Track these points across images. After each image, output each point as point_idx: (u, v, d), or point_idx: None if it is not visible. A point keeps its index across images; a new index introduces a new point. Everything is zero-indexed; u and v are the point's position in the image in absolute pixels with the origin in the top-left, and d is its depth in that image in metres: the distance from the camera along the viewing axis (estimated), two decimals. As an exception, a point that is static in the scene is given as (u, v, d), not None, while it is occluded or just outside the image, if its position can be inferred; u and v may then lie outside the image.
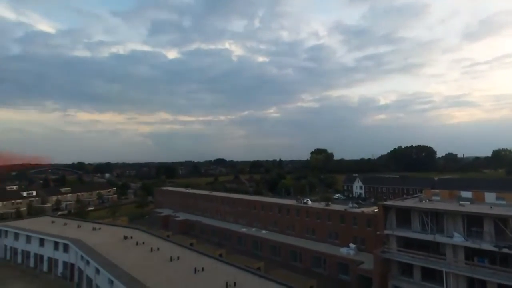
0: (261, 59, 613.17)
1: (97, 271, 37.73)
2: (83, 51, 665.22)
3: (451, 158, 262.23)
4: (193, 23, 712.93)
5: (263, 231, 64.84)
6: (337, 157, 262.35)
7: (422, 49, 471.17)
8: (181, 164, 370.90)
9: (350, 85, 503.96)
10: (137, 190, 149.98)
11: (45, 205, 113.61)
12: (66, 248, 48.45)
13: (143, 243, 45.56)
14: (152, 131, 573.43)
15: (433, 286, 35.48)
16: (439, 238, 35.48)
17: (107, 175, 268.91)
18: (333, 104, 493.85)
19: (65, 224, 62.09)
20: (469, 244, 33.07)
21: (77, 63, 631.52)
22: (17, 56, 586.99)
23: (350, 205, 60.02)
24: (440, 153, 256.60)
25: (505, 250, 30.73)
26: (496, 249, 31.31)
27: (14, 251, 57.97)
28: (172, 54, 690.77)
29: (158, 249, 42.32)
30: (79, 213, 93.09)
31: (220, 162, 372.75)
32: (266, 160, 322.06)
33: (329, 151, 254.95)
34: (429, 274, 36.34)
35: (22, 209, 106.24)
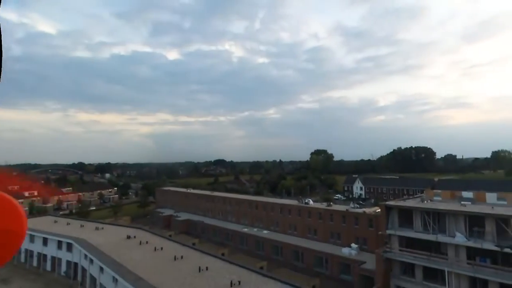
0: (261, 60, 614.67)
1: (101, 269, 38.04)
2: (84, 51, 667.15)
3: (450, 159, 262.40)
4: (194, 24, 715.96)
5: (265, 231, 65.12)
6: (337, 158, 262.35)
7: (422, 50, 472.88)
8: (181, 164, 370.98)
9: (349, 86, 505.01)
10: (138, 190, 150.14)
11: (47, 205, 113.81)
12: (69, 247, 48.75)
13: (147, 242, 45.87)
14: (152, 132, 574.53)
15: (435, 286, 35.81)
16: (441, 238, 35.80)
17: (107, 175, 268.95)
18: (333, 105, 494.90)
19: (68, 223, 62.38)
20: (471, 244, 33.41)
21: (78, 63, 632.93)
22: (19, 57, 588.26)
23: (352, 205, 60.36)
24: (439, 154, 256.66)
25: (507, 250, 31.07)
26: (498, 249, 31.66)
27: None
28: (172, 55, 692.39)
29: (161, 248, 42.63)
30: (81, 213, 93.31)
31: (220, 162, 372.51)
32: (266, 161, 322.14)
33: (329, 151, 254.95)
34: (431, 274, 36.65)
35: (24, 209, 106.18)
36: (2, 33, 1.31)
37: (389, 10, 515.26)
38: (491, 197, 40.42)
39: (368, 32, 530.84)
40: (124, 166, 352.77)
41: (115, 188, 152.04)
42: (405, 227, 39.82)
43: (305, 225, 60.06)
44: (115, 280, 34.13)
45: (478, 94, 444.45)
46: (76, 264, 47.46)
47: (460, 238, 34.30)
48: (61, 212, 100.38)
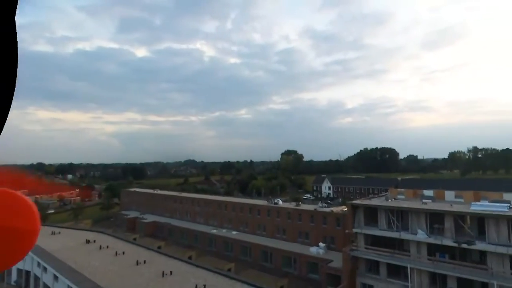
0: (233, 60, 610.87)
1: (56, 278, 35.25)
2: (45, 45, 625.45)
3: (412, 159, 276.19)
4: (164, 21, 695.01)
5: (234, 232, 64.19)
6: (306, 158, 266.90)
7: (387, 56, 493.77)
8: (149, 165, 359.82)
9: (319, 89, 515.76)
10: (102, 192, 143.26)
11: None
12: (20, 254, 44.89)
13: (107, 247, 43.33)
14: (119, 131, 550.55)
15: (398, 282, 36.79)
16: (404, 235, 36.84)
17: (69, 176, 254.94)
18: (303, 106, 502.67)
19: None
20: (432, 240, 34.64)
21: (39, 58, 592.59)
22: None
23: (320, 204, 61.04)
24: (402, 155, 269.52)
25: (464, 245, 32.50)
26: (455, 245, 33.04)
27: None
28: (141, 52, 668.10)
29: (123, 253, 40.42)
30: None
31: (190, 163, 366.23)
32: (237, 161, 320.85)
33: (299, 152, 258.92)
34: (395, 271, 37.62)
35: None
36: None
37: (357, 16, 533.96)
38: (449, 195, 42.37)
39: (337, 36, 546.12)
40: (88, 167, 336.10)
41: (77, 190, 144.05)
42: (370, 225, 40.62)
43: (274, 225, 59.88)
44: (70, 289, 31.69)
45: (437, 99, 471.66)
46: (28, 272, 43.77)
47: (421, 235, 35.45)
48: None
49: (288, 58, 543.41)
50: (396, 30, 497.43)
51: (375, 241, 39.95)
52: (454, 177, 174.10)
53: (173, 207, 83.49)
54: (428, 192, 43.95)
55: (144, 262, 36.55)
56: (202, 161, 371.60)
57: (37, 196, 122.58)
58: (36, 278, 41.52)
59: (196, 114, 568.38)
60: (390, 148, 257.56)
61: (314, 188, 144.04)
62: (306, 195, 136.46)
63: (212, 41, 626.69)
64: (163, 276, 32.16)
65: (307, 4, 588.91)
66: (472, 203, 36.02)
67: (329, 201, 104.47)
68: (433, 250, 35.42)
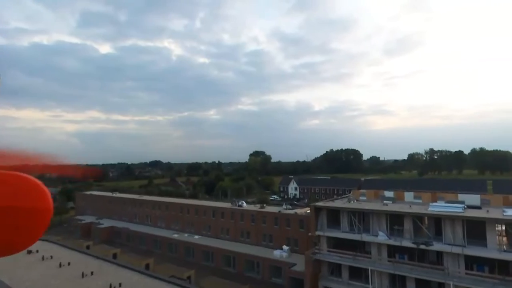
0: (201, 60, 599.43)
1: (-15, 296, 30.91)
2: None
3: (374, 160, 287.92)
4: (130, 18, 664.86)
5: (196, 236, 61.60)
6: (274, 159, 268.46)
7: (352, 60, 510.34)
8: (112, 166, 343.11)
9: (288, 91, 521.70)
10: (56, 196, 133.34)
11: None
12: None
13: (51, 257, 39.18)
14: (80, 130, 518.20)
15: (360, 285, 36.56)
16: (365, 237, 36.70)
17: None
18: (271, 108, 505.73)
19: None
20: (392, 242, 34.70)
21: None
22: None
23: (284, 206, 60.18)
24: (365, 156, 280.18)
25: (422, 246, 32.78)
26: (414, 246, 33.26)
27: None
28: (105, 48, 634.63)
29: (69, 264, 36.61)
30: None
31: (156, 164, 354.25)
32: (205, 162, 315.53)
33: (268, 153, 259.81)
34: (357, 273, 37.39)
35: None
36: None
37: (324, 20, 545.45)
38: (408, 195, 43.08)
39: (304, 40, 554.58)
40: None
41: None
42: (333, 227, 40.18)
43: (238, 228, 58.13)
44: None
45: (397, 103, 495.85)
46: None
47: (382, 237, 35.44)
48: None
49: (257, 60, 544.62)
50: (360, 37, 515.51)
51: (338, 244, 39.54)
52: (412, 177, 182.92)
53: (132, 211, 78.96)
54: (389, 193, 44.44)
55: (92, 273, 33.23)
56: (168, 162, 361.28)
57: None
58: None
59: (163, 114, 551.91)
60: (355, 149, 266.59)
61: (281, 189, 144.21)
62: (273, 196, 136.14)
63: (180, 40, 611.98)
64: (111, 289, 29.22)
65: (276, 7, 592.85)
66: (430, 204, 36.62)
67: (295, 202, 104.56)
68: (393, 251, 35.54)
